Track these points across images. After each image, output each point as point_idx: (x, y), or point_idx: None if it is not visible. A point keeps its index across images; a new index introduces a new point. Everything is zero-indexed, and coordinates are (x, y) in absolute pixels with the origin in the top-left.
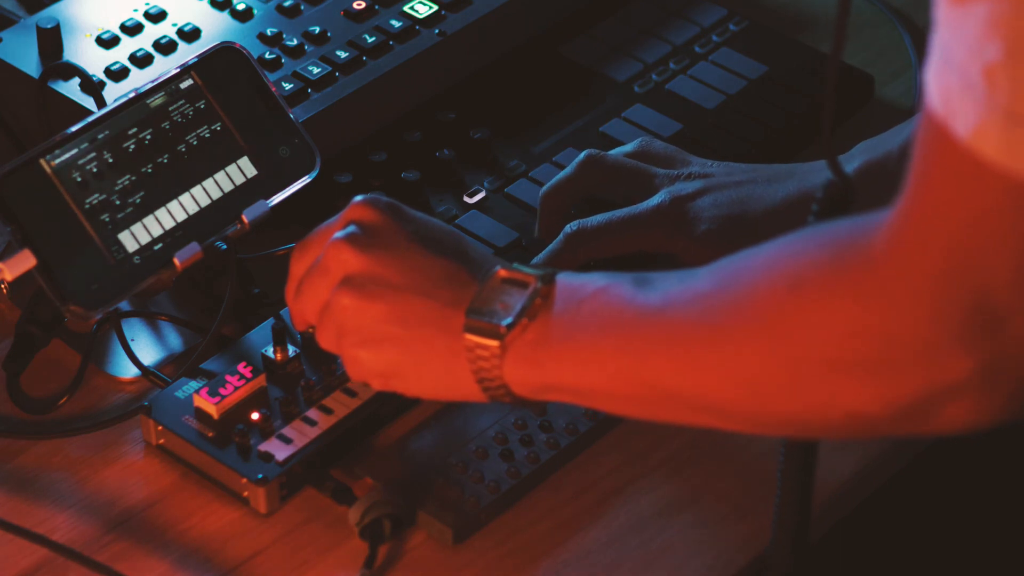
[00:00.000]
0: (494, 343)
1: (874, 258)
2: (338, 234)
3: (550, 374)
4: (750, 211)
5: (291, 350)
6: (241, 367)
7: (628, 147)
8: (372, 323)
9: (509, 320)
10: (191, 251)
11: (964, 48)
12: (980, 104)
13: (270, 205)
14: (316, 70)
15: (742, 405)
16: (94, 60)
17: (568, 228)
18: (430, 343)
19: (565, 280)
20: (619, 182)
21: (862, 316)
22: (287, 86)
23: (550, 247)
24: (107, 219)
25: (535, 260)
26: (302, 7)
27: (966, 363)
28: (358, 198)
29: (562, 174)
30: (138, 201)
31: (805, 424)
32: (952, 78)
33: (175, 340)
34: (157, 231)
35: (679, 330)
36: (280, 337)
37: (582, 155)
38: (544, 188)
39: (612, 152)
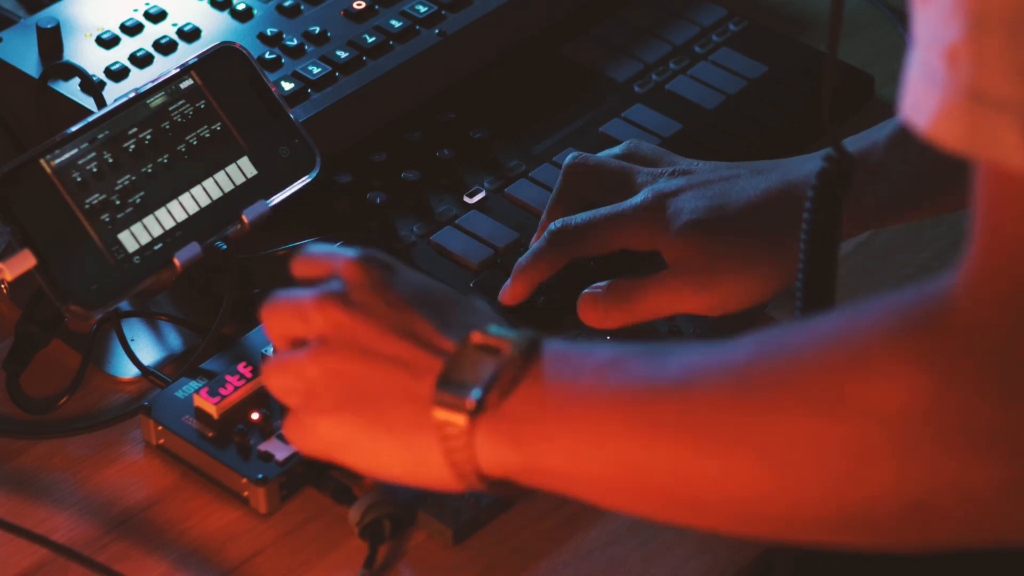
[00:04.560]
0: (461, 418)
1: (951, 319)
2: (325, 289)
3: (533, 455)
4: (731, 203)
5: None
6: (241, 367)
7: (616, 149)
8: (339, 388)
9: (477, 393)
10: (191, 251)
11: (927, 39)
12: (940, 88)
13: (270, 205)
14: (316, 70)
15: (779, 496)
16: (94, 60)
17: (552, 226)
18: (395, 415)
19: (558, 348)
20: (603, 182)
21: (937, 389)
22: (287, 86)
23: (534, 246)
24: (107, 219)
25: (520, 260)
26: (302, 7)
27: None
28: (351, 254)
29: (554, 190)
30: (138, 201)
31: (854, 519)
32: (915, 73)
33: (175, 340)
34: (157, 231)
35: (705, 407)
36: None
37: (566, 160)
38: (544, 213)
39: (600, 154)
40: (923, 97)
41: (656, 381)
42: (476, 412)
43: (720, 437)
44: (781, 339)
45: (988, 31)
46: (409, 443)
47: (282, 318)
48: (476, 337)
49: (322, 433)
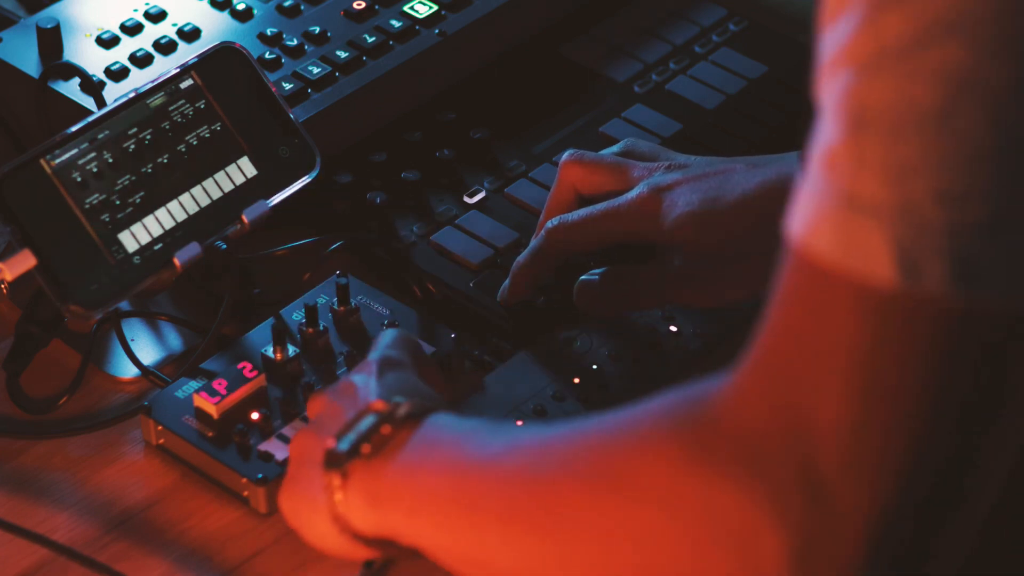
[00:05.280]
0: (336, 471)
1: (710, 413)
2: (330, 387)
3: (384, 513)
4: (725, 196)
5: (291, 350)
6: (241, 367)
7: (614, 148)
8: (293, 463)
9: (345, 445)
10: (191, 251)
11: (815, 143)
12: (815, 194)
13: (270, 205)
14: (316, 70)
15: (546, 569)
16: (94, 60)
17: (549, 224)
18: (315, 483)
19: (441, 418)
20: (600, 178)
21: (674, 478)
22: (287, 86)
23: (532, 244)
24: (107, 219)
25: (518, 259)
26: (302, 7)
27: (780, 543)
28: (374, 354)
29: (551, 189)
30: (138, 201)
31: None
32: (802, 179)
33: (175, 340)
34: (157, 231)
35: (501, 480)
36: (280, 337)
37: (563, 157)
38: (542, 212)
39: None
40: (801, 203)
41: (482, 454)
42: (344, 460)
43: (506, 510)
44: (586, 421)
45: (867, 132)
46: (316, 506)
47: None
48: (377, 404)
49: (280, 503)
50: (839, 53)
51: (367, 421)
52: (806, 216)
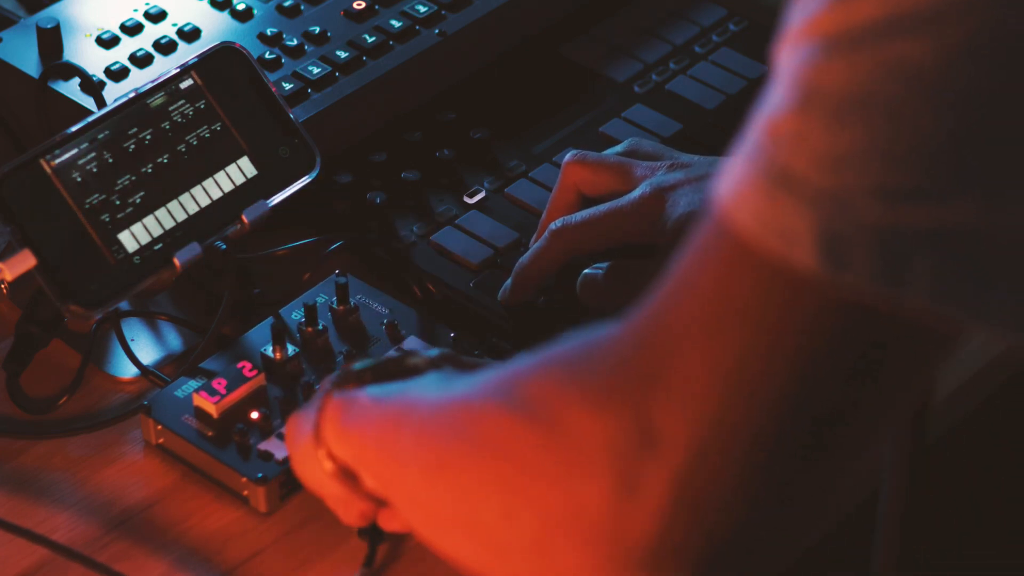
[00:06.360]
0: (333, 389)
1: (589, 345)
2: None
3: (351, 443)
4: None
5: (290, 349)
6: (241, 366)
7: (617, 148)
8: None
9: (355, 366)
10: (191, 251)
11: (763, 106)
12: (749, 159)
13: (270, 205)
14: (316, 70)
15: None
16: (94, 60)
17: (552, 226)
18: (315, 402)
19: (436, 374)
20: (603, 178)
21: (554, 403)
22: (287, 86)
23: (535, 246)
24: (107, 219)
25: (520, 260)
26: (302, 7)
27: (603, 483)
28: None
29: (554, 189)
30: (138, 201)
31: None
32: (742, 143)
33: (175, 340)
34: (157, 231)
35: (425, 408)
36: (279, 336)
37: (565, 158)
38: (544, 212)
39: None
40: (735, 164)
41: (424, 390)
42: (344, 382)
43: (421, 432)
44: (521, 360)
45: (813, 112)
46: (307, 424)
47: None
48: (405, 350)
49: (286, 424)
50: (807, 24)
51: (384, 357)
52: (735, 180)
